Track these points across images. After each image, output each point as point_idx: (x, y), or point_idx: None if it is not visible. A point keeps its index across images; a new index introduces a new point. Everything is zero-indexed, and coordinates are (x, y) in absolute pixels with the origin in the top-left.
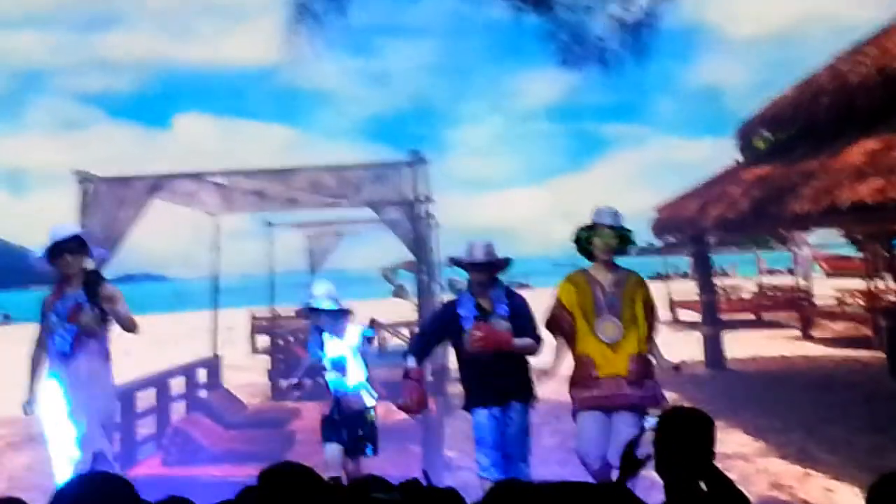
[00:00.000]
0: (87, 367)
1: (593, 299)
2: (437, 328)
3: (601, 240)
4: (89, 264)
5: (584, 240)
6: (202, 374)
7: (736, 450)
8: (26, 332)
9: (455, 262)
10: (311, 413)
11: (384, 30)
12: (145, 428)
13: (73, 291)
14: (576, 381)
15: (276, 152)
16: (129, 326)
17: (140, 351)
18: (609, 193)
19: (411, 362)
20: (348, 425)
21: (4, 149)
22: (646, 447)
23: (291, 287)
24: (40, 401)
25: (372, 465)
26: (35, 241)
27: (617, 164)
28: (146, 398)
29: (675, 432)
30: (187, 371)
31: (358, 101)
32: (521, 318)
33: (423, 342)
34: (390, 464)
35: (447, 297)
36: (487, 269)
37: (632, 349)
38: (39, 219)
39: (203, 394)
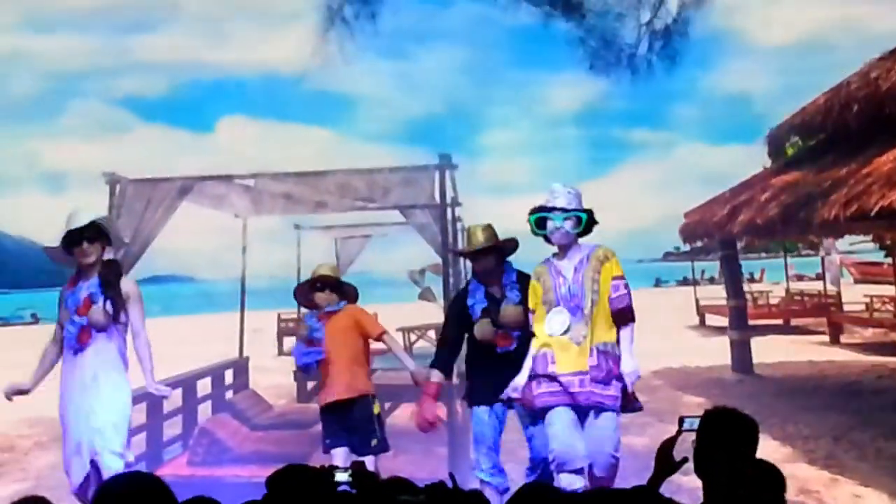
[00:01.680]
0: (94, 363)
1: (553, 291)
2: (454, 328)
3: (552, 223)
4: (109, 254)
5: (534, 224)
6: (229, 376)
7: (763, 455)
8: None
9: (458, 252)
10: None
11: (416, 35)
12: (172, 428)
13: (88, 282)
14: (532, 378)
15: (309, 154)
16: (137, 331)
17: (167, 352)
18: (636, 199)
19: (435, 377)
20: (349, 424)
21: (44, 151)
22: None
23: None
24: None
25: (398, 467)
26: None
27: (644, 169)
28: (173, 399)
29: (720, 433)
30: (214, 372)
31: (389, 104)
32: None
33: (447, 351)
34: (416, 466)
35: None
36: (491, 256)
37: (595, 340)
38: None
39: (230, 395)
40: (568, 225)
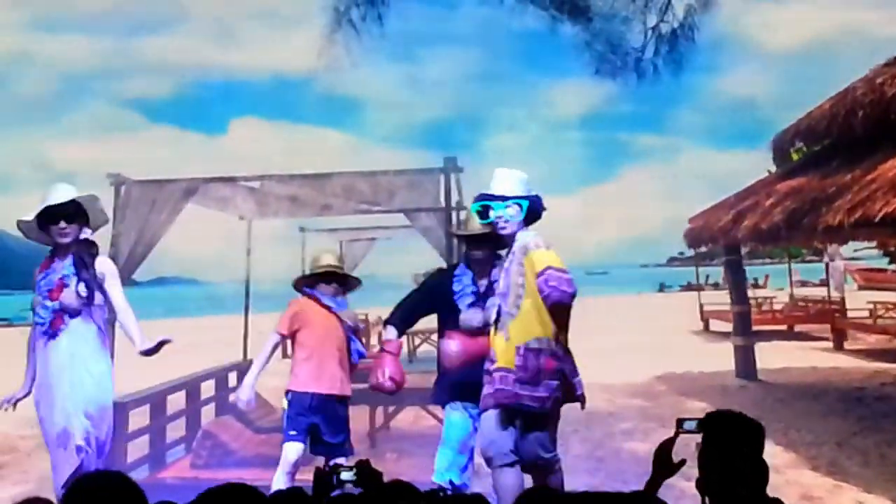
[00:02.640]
0: (68, 350)
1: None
2: (426, 297)
3: (493, 212)
4: (86, 235)
5: (477, 214)
6: (233, 378)
7: (766, 461)
8: None
9: (453, 234)
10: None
11: (424, 38)
12: (175, 431)
13: (62, 264)
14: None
15: (319, 156)
16: (120, 306)
17: (171, 354)
18: (641, 203)
19: (390, 333)
20: (323, 421)
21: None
22: (680, 450)
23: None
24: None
25: (401, 470)
26: None
27: (650, 174)
28: (176, 401)
29: (726, 437)
30: (218, 375)
31: (397, 107)
32: None
33: (408, 311)
34: (420, 470)
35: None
36: (487, 244)
37: (520, 339)
38: None
39: (233, 397)
40: (509, 213)
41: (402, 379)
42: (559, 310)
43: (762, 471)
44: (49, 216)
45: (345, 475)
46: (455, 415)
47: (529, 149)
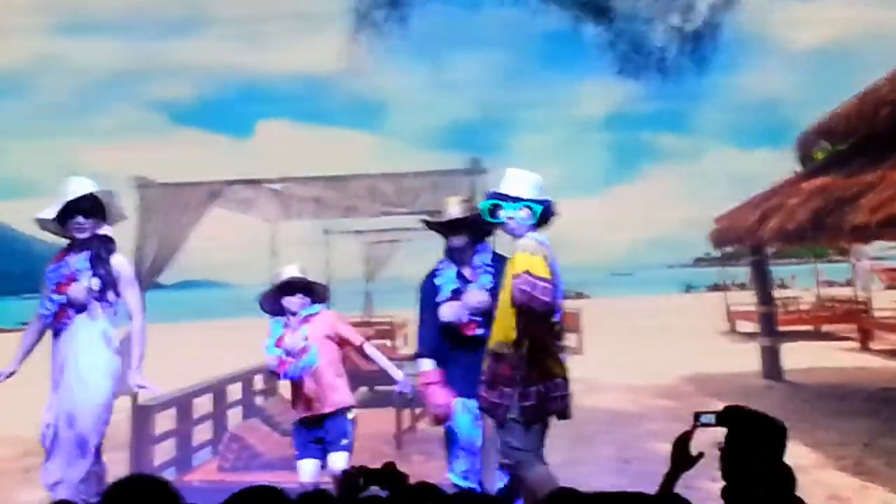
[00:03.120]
0: (74, 344)
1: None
2: (428, 311)
3: (503, 212)
4: (104, 230)
5: (487, 212)
6: (259, 381)
7: (793, 461)
8: None
9: (427, 223)
10: (369, 421)
11: (448, 40)
12: (202, 434)
13: (76, 258)
14: None
15: (344, 158)
16: (138, 320)
17: (197, 356)
18: (666, 203)
19: (423, 365)
20: (323, 437)
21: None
22: (697, 444)
23: (348, 295)
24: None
25: (428, 472)
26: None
27: (674, 173)
28: (203, 404)
29: (744, 437)
30: (244, 377)
31: (422, 108)
32: None
33: (429, 335)
34: (446, 472)
35: None
36: (465, 230)
37: (491, 342)
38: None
39: (260, 400)
40: (520, 215)
41: (448, 402)
42: (529, 317)
43: (782, 473)
44: (66, 210)
45: (371, 478)
46: (457, 409)
47: (554, 149)
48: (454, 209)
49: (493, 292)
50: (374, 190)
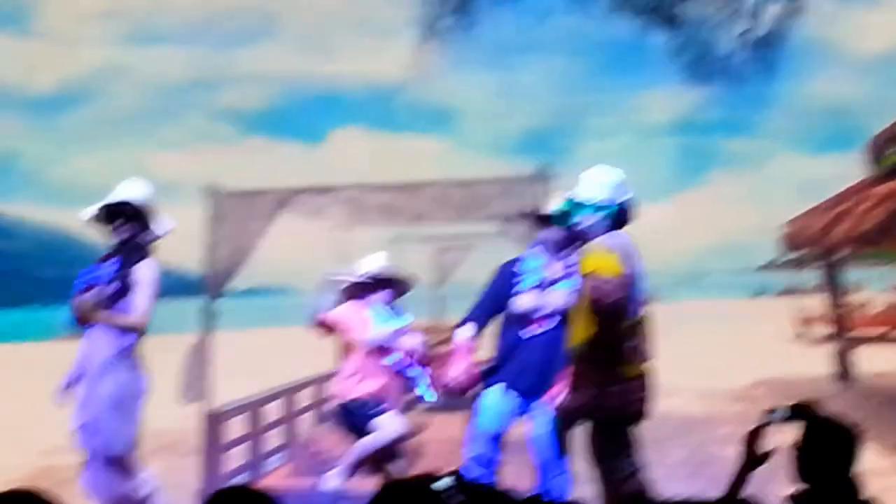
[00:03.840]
0: (86, 354)
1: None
2: (500, 288)
3: (575, 217)
4: (153, 235)
5: (563, 216)
6: (330, 387)
7: (867, 466)
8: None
9: (522, 215)
10: (439, 426)
11: (515, 47)
12: (274, 439)
13: (107, 264)
14: None
15: (414, 164)
16: (137, 319)
17: (268, 363)
18: (734, 208)
19: (464, 330)
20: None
21: (151, 162)
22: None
23: (418, 301)
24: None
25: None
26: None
27: (741, 178)
28: (274, 410)
29: (824, 440)
30: (315, 383)
31: (492, 115)
32: None
33: (486, 307)
34: (516, 477)
35: None
36: (562, 226)
37: (571, 343)
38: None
39: (330, 406)
40: (591, 219)
41: (468, 379)
42: (602, 317)
43: (856, 480)
44: (106, 214)
45: (442, 483)
46: (495, 395)
47: (621, 155)
48: (557, 202)
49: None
50: (444, 197)
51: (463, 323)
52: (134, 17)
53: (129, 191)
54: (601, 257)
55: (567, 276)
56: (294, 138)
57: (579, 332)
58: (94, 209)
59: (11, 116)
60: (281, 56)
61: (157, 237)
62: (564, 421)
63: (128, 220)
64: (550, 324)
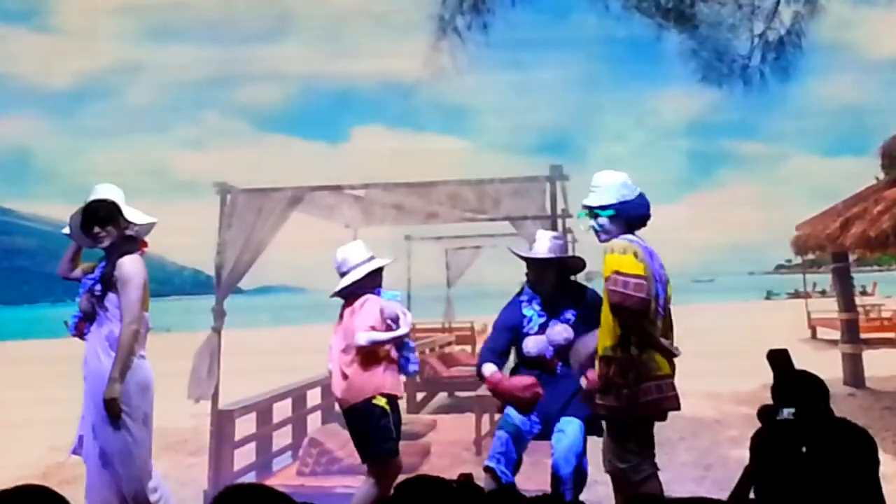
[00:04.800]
0: (87, 352)
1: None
2: (504, 337)
3: (589, 224)
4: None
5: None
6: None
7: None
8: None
9: (516, 254)
10: (448, 425)
11: (531, 45)
12: (282, 438)
13: (99, 266)
14: None
15: (426, 161)
16: (125, 329)
17: (278, 362)
18: (747, 210)
19: (490, 368)
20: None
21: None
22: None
23: (429, 301)
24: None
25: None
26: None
27: (755, 181)
28: (283, 409)
29: (840, 447)
30: (324, 382)
31: (505, 113)
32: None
33: (497, 356)
34: (526, 478)
35: None
36: (551, 269)
37: (600, 348)
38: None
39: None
40: (600, 222)
41: (530, 382)
42: (621, 315)
43: (875, 489)
44: (83, 224)
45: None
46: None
47: (635, 155)
48: (542, 246)
49: (575, 326)
50: (455, 196)
51: (479, 365)
52: (151, 14)
53: (98, 195)
54: (620, 257)
55: (561, 314)
56: (309, 136)
57: (608, 335)
58: (71, 222)
59: (28, 112)
60: (300, 54)
61: (138, 234)
62: (596, 423)
63: (102, 224)
64: (558, 363)
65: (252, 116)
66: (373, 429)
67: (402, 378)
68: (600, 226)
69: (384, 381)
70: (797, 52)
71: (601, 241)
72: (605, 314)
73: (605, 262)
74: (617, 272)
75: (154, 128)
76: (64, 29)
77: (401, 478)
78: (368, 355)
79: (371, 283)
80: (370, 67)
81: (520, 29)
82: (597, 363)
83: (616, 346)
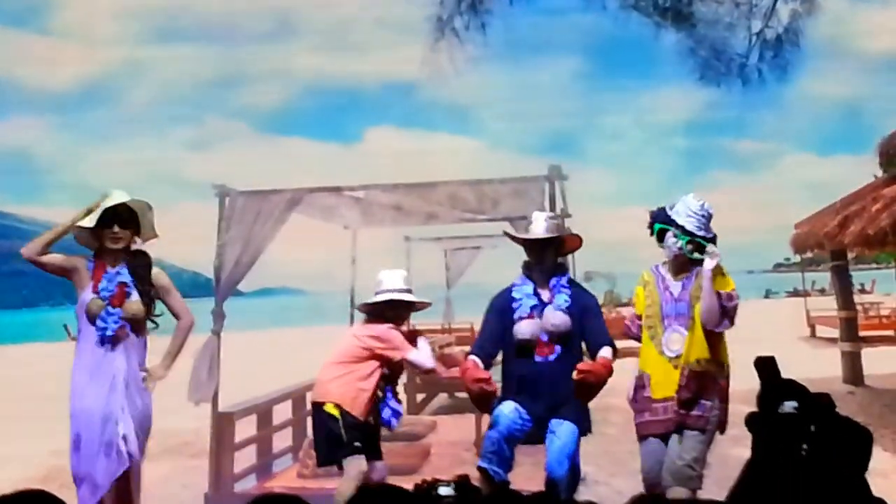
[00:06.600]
0: (125, 364)
1: (661, 306)
2: (496, 324)
3: (671, 239)
4: (136, 245)
5: (658, 234)
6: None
7: (874, 466)
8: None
9: (510, 237)
10: (448, 427)
11: (530, 45)
12: (282, 441)
13: (115, 270)
14: (634, 402)
15: (428, 161)
16: (186, 318)
17: (278, 363)
18: (746, 209)
19: (471, 360)
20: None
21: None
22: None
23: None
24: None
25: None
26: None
27: (753, 179)
28: (283, 411)
29: (836, 443)
30: None
31: (504, 114)
32: (590, 314)
33: (485, 339)
34: (525, 479)
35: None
36: (549, 249)
37: (686, 359)
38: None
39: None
40: (688, 248)
41: (484, 375)
42: (716, 331)
43: (864, 484)
44: (104, 219)
45: (443, 490)
46: (508, 407)
47: (634, 154)
48: (540, 226)
49: (570, 313)
50: (454, 197)
51: (468, 356)
52: (153, 17)
53: (121, 196)
54: (728, 277)
55: (555, 299)
56: (310, 137)
57: (700, 347)
58: (95, 216)
59: (28, 115)
60: (301, 55)
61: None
62: (587, 422)
63: (124, 226)
64: (554, 348)
65: (252, 117)
66: (323, 434)
67: (365, 399)
68: (688, 251)
69: (338, 392)
70: (795, 50)
71: (668, 256)
72: (698, 325)
73: (725, 279)
74: (725, 289)
75: (154, 129)
76: (65, 31)
77: (399, 481)
78: (353, 369)
79: (392, 313)
80: (373, 68)
81: (518, 29)
82: (680, 374)
83: (709, 358)
